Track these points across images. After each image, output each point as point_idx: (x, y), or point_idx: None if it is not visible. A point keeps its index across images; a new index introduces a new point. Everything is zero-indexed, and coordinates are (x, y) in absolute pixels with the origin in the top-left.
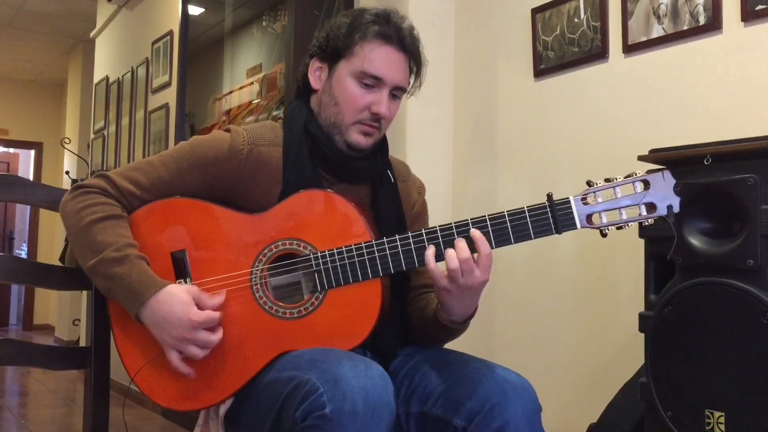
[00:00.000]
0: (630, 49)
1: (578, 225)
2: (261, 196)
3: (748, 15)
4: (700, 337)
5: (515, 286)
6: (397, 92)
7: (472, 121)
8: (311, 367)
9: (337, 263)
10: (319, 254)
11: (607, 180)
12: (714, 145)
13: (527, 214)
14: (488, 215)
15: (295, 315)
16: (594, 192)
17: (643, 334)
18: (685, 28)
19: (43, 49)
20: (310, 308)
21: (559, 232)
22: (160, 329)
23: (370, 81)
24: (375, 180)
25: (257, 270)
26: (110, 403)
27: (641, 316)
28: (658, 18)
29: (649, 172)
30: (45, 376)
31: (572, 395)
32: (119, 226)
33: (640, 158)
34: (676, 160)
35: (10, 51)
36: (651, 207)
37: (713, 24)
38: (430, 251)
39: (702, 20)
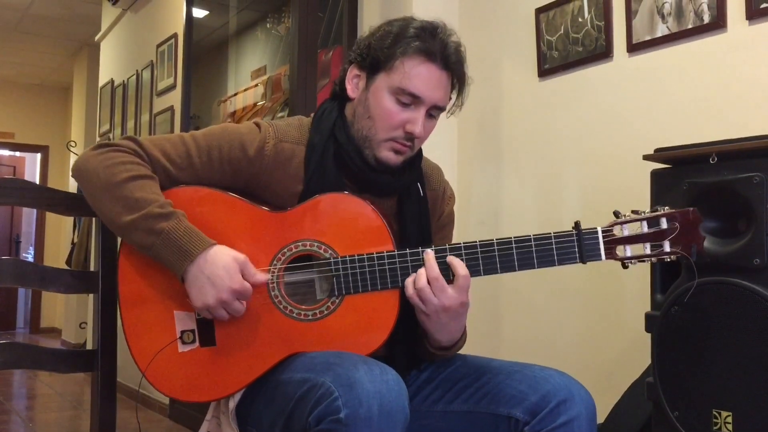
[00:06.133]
0: (634, 48)
1: (603, 256)
2: (281, 191)
3: (753, 13)
4: (707, 337)
5: (521, 286)
6: (434, 111)
7: (476, 121)
8: (326, 370)
9: (357, 270)
10: (339, 259)
11: (634, 212)
12: (719, 144)
13: (553, 239)
14: (514, 237)
15: (310, 317)
16: (621, 224)
17: (649, 334)
18: (690, 26)
19: (48, 52)
20: (326, 312)
21: (584, 261)
22: (199, 289)
23: (408, 99)
24: (402, 193)
25: (275, 268)
26: (117, 406)
27: (648, 316)
28: (663, 17)
29: (677, 209)
30: (52, 379)
31: None
32: (156, 187)
33: (646, 157)
34: (681, 159)
35: (15, 55)
36: (675, 243)
37: (718, 22)
38: (410, 279)
39: (706, 19)
